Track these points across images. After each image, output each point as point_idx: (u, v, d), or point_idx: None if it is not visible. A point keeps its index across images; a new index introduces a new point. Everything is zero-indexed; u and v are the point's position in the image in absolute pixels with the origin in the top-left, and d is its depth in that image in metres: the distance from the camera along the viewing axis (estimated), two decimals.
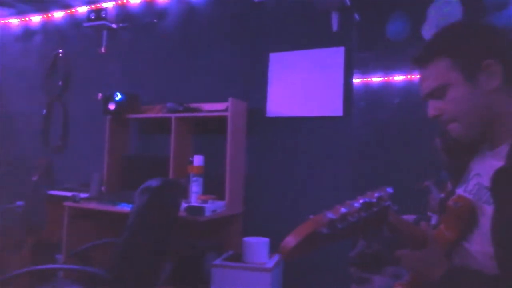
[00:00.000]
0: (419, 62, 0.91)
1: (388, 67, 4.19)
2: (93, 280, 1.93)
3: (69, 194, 2.68)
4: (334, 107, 2.40)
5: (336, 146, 2.40)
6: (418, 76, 0.94)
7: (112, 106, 2.70)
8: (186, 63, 2.85)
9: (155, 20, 2.97)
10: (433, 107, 0.89)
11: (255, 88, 2.61)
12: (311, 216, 0.70)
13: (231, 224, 2.44)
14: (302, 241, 0.65)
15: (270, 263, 2.02)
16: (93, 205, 2.41)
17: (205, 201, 2.20)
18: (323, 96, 2.43)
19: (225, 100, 2.45)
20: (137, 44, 3.04)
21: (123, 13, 3.09)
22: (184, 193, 2.23)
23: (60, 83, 3.29)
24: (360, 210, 0.70)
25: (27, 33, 3.53)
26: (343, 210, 0.69)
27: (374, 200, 0.72)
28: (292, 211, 2.44)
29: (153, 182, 1.73)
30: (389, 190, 0.76)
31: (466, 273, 0.80)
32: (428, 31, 2.60)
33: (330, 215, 0.68)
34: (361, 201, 0.71)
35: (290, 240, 0.66)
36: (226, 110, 2.42)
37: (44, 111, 3.33)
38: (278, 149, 2.53)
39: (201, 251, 2.21)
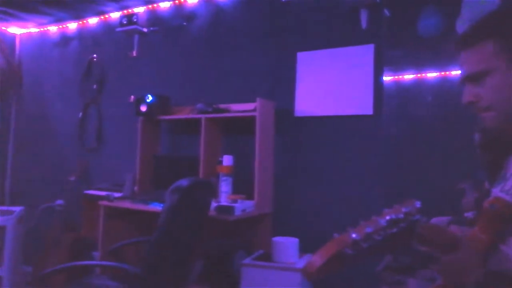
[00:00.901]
0: (462, 44, 0.86)
1: (420, 64, 4.07)
2: (128, 277, 1.99)
3: (104, 193, 2.78)
4: (363, 105, 2.36)
5: (366, 145, 2.36)
6: (456, 63, 0.90)
7: (143, 108, 2.77)
8: (215, 64, 2.89)
9: (184, 23, 3.02)
10: (469, 93, 0.85)
11: (283, 88, 2.61)
12: (336, 235, 0.69)
13: (260, 223, 2.44)
14: (327, 262, 0.65)
15: (300, 263, 2.01)
16: (126, 204, 2.49)
17: (235, 201, 2.22)
18: (352, 95, 2.40)
19: (253, 101, 2.47)
20: (167, 47, 3.11)
21: (154, 17, 3.17)
22: (214, 192, 2.26)
23: (94, 86, 3.42)
24: (386, 228, 0.68)
25: (64, 39, 3.68)
26: (368, 229, 0.67)
27: (401, 215, 0.70)
28: (321, 211, 2.42)
29: (184, 182, 1.76)
30: (417, 204, 0.73)
31: (503, 278, 0.76)
32: (462, 26, 2.50)
33: (354, 235, 0.66)
34: (387, 217, 0.69)
35: (315, 261, 0.65)
36: (254, 110, 2.44)
37: (80, 114, 3.46)
38: (306, 149, 2.52)
39: (231, 250, 2.23)
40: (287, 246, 2.04)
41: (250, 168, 2.44)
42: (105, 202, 2.54)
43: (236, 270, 2.17)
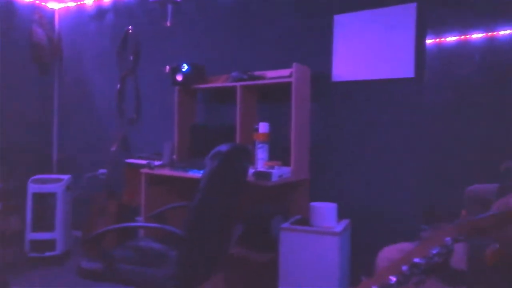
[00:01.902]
0: None
1: (465, 24, 3.83)
2: (171, 239, 2.08)
3: (144, 162, 2.87)
4: (404, 68, 2.27)
5: (407, 109, 2.28)
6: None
7: (179, 78, 2.80)
8: (249, 31, 2.85)
9: None
10: None
11: (319, 52, 2.54)
12: (363, 279, 0.68)
13: (297, 189, 2.46)
14: None
15: (339, 227, 2.02)
16: (166, 172, 2.56)
17: (272, 167, 2.23)
18: (392, 57, 2.30)
19: (289, 66, 2.43)
20: (201, 16, 3.09)
21: None
22: (251, 159, 2.27)
23: (131, 58, 3.47)
24: (412, 275, 0.67)
25: (100, 12, 3.74)
26: (392, 280, 0.66)
27: (431, 256, 0.68)
28: (358, 178, 2.40)
29: (223, 147, 1.78)
30: (448, 240, 0.71)
31: None
32: None
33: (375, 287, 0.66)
34: (416, 260, 0.68)
35: None
36: (290, 76, 2.40)
37: (118, 85, 3.55)
38: (344, 114, 2.47)
39: (269, 215, 2.26)
40: (325, 211, 2.04)
41: (286, 135, 2.43)
42: (146, 170, 2.63)
43: (274, 234, 2.22)
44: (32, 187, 3.15)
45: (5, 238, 2.97)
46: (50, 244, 3.10)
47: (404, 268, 0.68)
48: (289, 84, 2.38)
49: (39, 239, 3.09)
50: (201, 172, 2.37)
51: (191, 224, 1.72)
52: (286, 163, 2.37)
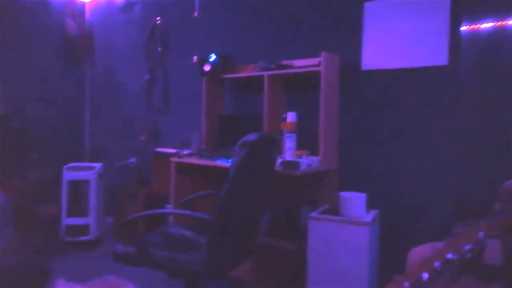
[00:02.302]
0: None
1: (501, 10, 3.67)
2: (200, 226, 2.12)
3: (172, 151, 2.93)
4: (438, 56, 2.20)
5: (440, 98, 2.22)
6: None
7: (207, 68, 2.82)
8: (277, 20, 2.83)
9: None
10: None
11: (349, 41, 2.50)
12: (395, 277, 0.68)
13: (326, 179, 2.45)
14: None
15: (368, 218, 2.00)
16: (194, 160, 2.61)
17: (300, 156, 2.23)
18: (425, 45, 2.24)
19: (317, 55, 2.40)
20: (228, 5, 3.09)
21: None
22: (279, 148, 2.28)
23: (159, 49, 3.52)
24: (444, 271, 0.66)
25: (129, 4, 3.80)
26: (424, 277, 0.65)
27: (464, 252, 0.67)
28: (389, 168, 2.36)
29: (251, 137, 1.79)
30: (481, 236, 0.69)
31: None
32: None
33: (407, 284, 0.65)
34: (449, 256, 0.67)
35: None
36: (318, 65, 2.38)
37: (147, 76, 3.61)
38: (374, 103, 2.43)
39: (297, 205, 2.27)
40: (354, 200, 2.03)
41: (314, 124, 2.42)
42: (175, 159, 2.68)
43: (302, 223, 2.23)
44: (67, 175, 3.27)
45: (43, 223, 3.11)
46: (84, 229, 3.23)
47: (437, 264, 0.67)
48: (317, 73, 2.36)
49: (74, 224, 3.22)
50: (229, 161, 2.40)
51: (221, 212, 1.75)
52: (314, 152, 2.37)
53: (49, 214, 3.16)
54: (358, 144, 2.48)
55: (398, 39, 2.32)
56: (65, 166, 3.32)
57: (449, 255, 0.69)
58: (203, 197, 2.47)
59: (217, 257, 1.78)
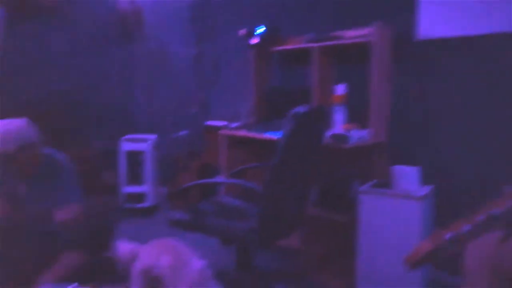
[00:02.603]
0: None
1: None
2: (249, 196, 2.19)
3: (222, 123, 3.01)
4: (506, 20, 2.02)
5: (505, 68, 2.07)
6: None
7: (255, 40, 2.82)
8: None
9: None
10: None
11: (402, 9, 2.38)
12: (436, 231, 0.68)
13: (376, 153, 2.41)
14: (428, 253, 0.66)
15: (421, 192, 1.96)
16: (243, 133, 2.67)
17: (349, 130, 2.21)
18: (491, 9, 2.06)
19: (368, 26, 2.32)
20: None
21: None
22: (328, 121, 2.27)
23: (208, 22, 3.55)
24: (487, 226, 0.64)
25: None
26: (465, 228, 0.64)
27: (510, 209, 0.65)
28: (445, 142, 2.28)
29: (301, 109, 1.80)
30: None
31: None
32: None
33: (448, 235, 0.65)
34: (494, 212, 0.65)
35: (419, 251, 0.68)
36: (369, 35, 2.30)
37: (196, 50, 3.68)
38: (429, 74, 2.32)
39: (347, 178, 2.27)
40: (407, 174, 2.00)
41: (364, 97, 2.37)
42: (224, 131, 2.76)
43: (352, 197, 2.23)
44: (124, 145, 3.48)
45: (105, 190, 3.36)
46: (141, 197, 3.45)
47: (481, 217, 0.68)
48: (368, 44, 2.29)
49: (132, 192, 3.45)
50: (277, 133, 2.43)
51: (270, 182, 1.80)
52: (364, 125, 2.33)
53: (109, 182, 3.40)
54: (411, 117, 2.40)
55: (459, 3, 2.16)
56: (123, 138, 3.53)
57: (494, 211, 0.69)
58: (251, 169, 2.54)
59: (268, 226, 1.85)
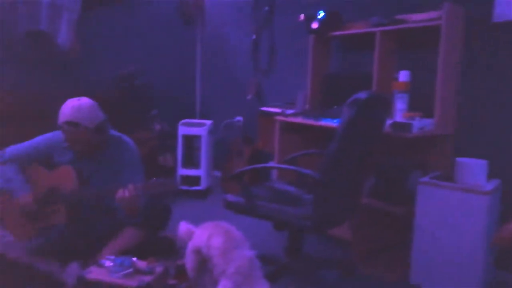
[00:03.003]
0: None
1: None
2: (303, 183, 2.17)
3: (277, 110, 2.99)
4: None
5: None
6: None
7: (314, 25, 2.76)
8: None
9: None
10: None
11: None
12: None
13: (439, 144, 2.28)
14: None
15: (489, 187, 1.83)
16: (299, 120, 2.63)
17: (412, 118, 2.10)
18: None
19: (436, 8, 2.17)
20: None
21: None
22: (389, 109, 2.17)
23: (266, 8, 3.53)
24: None
25: None
26: None
27: None
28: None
29: (362, 95, 1.74)
30: None
31: None
32: None
33: None
34: None
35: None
36: (439, 18, 2.15)
37: (253, 36, 3.67)
38: (506, 61, 2.13)
39: (405, 169, 2.17)
40: (474, 167, 1.87)
41: (429, 85, 2.24)
42: (280, 117, 2.74)
43: (410, 188, 2.13)
44: (181, 129, 3.60)
45: (163, 172, 3.50)
46: (196, 180, 3.55)
47: None
48: (437, 28, 2.14)
49: (187, 175, 3.56)
50: (334, 121, 2.37)
51: (326, 169, 1.77)
52: (427, 115, 2.20)
53: (167, 164, 3.53)
54: (480, 108, 2.23)
55: None
56: (180, 122, 3.65)
57: None
58: (304, 156, 2.50)
59: (322, 213, 1.82)
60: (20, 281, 1.66)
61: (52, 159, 2.24)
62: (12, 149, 2.24)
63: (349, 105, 1.74)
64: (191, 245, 1.73)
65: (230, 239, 1.61)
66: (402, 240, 2.27)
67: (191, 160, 3.65)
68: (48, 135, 2.27)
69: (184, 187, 3.54)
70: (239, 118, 3.75)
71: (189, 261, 1.71)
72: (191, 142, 3.67)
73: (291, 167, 1.96)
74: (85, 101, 2.08)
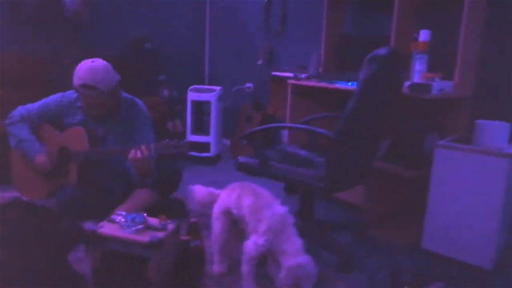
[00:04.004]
0: None
1: None
2: (314, 146, 2.13)
3: (289, 74, 2.91)
4: None
5: None
6: None
7: None
8: None
9: None
10: None
11: None
12: None
13: (457, 107, 2.21)
14: None
15: (510, 149, 1.77)
16: (312, 83, 2.56)
17: (432, 79, 2.02)
18: None
19: None
20: None
21: None
22: (408, 69, 2.09)
23: None
24: None
25: None
26: None
27: None
28: None
29: (381, 50, 1.66)
30: None
31: None
32: None
33: None
34: None
35: None
36: None
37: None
38: None
39: (422, 132, 2.11)
40: (495, 129, 1.80)
41: (450, 45, 2.14)
42: (292, 81, 2.67)
43: (426, 152, 2.08)
44: (191, 95, 3.54)
45: (172, 138, 3.47)
46: (205, 146, 3.52)
47: None
48: None
49: (197, 141, 3.54)
50: (349, 84, 2.30)
51: (343, 128, 1.71)
52: (447, 77, 2.12)
53: (177, 130, 3.50)
54: (503, 70, 2.14)
55: None
56: (190, 88, 3.59)
57: None
58: (318, 120, 2.45)
59: (335, 173, 1.78)
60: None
61: (62, 120, 2.22)
62: (23, 109, 2.21)
63: (368, 62, 1.67)
64: (218, 207, 1.71)
65: (260, 197, 1.60)
66: (416, 205, 2.24)
67: (200, 126, 3.61)
68: (59, 95, 2.24)
69: (194, 154, 3.52)
70: (249, 84, 3.68)
71: (217, 224, 1.70)
72: (200, 108, 3.62)
73: (306, 126, 1.91)
74: (100, 62, 2.04)
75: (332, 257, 1.88)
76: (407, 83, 2.02)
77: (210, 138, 3.53)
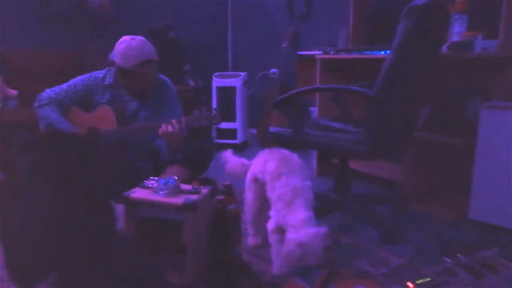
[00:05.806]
0: None
1: None
2: (347, 118, 2.02)
3: (318, 52, 2.82)
4: None
5: None
6: None
7: None
8: None
9: None
10: None
11: None
12: None
13: (502, 68, 2.06)
14: None
15: None
16: (342, 56, 2.47)
17: (474, 37, 1.89)
18: None
19: None
20: None
21: None
22: (448, 24, 1.96)
23: None
24: None
25: None
26: None
27: None
28: None
29: (419, 1, 1.56)
30: None
31: None
32: None
33: None
34: None
35: None
36: None
37: None
38: None
39: (465, 96, 1.98)
40: None
41: (490, 4, 2.01)
42: (321, 55, 2.58)
43: (470, 116, 1.94)
44: (216, 81, 3.50)
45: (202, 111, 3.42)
46: (232, 133, 3.47)
47: None
48: None
49: (223, 128, 3.48)
50: (380, 53, 2.19)
51: (382, 85, 1.61)
52: (490, 36, 1.98)
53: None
54: None
55: None
56: (214, 74, 3.55)
57: None
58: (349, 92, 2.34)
59: (376, 135, 1.67)
60: None
61: (90, 101, 2.20)
62: (51, 91, 2.21)
63: (405, 15, 1.57)
64: (249, 175, 1.64)
65: (284, 163, 1.49)
66: (459, 177, 2.10)
67: (226, 113, 3.55)
68: (86, 75, 2.23)
69: (220, 141, 3.47)
70: (274, 70, 3.61)
71: (249, 193, 1.63)
72: (225, 94, 3.57)
73: (344, 86, 1.81)
74: (138, 37, 2.10)
75: (373, 231, 1.77)
76: (447, 43, 1.91)
77: (236, 125, 3.47)
